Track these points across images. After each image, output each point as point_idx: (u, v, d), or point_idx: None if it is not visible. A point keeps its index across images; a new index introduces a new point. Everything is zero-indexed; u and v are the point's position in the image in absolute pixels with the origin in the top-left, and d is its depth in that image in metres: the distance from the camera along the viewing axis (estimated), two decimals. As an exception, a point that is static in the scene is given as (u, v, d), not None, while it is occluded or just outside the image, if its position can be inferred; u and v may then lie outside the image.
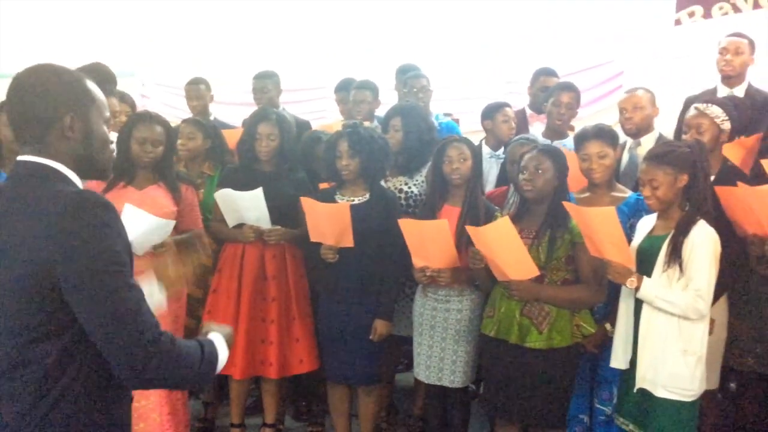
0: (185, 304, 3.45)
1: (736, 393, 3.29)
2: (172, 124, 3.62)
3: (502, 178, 3.82)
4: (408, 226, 3.06)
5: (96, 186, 3.27)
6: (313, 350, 3.55)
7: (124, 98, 4.23)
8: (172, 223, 3.21)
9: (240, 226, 3.48)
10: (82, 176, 1.60)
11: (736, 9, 5.29)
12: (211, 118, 4.83)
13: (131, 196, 3.19)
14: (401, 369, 4.32)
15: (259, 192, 3.34)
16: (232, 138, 4.03)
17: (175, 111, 6.19)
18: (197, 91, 4.89)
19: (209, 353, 1.64)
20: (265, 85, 4.74)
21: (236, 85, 6.32)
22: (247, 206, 3.40)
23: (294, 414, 4.08)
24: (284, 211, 3.43)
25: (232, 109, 5.97)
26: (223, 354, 1.69)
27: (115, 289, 1.45)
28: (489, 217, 3.14)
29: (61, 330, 1.47)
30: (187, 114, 4.89)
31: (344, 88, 4.76)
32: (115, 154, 3.33)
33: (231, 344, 1.76)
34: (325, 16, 6.77)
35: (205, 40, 6.99)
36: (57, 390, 1.48)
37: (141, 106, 5.89)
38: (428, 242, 3.04)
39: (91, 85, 1.60)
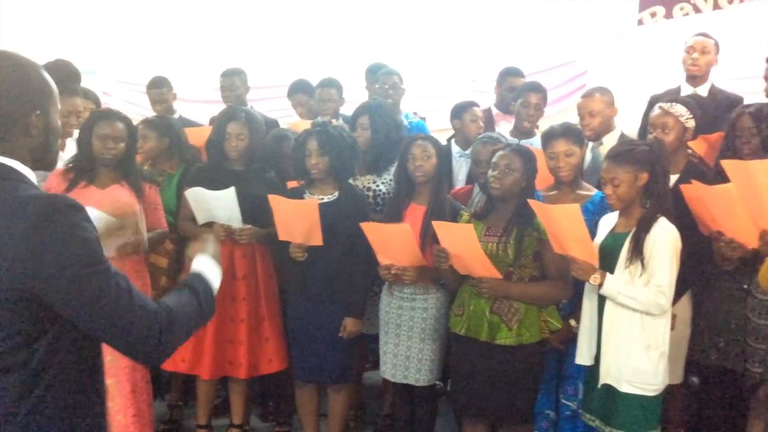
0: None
1: (699, 387, 3.35)
2: (134, 122, 3.57)
3: (472, 177, 3.84)
4: (371, 230, 3.06)
5: (57, 185, 3.22)
6: (282, 350, 3.54)
7: (87, 95, 4.15)
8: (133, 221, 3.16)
9: (209, 225, 3.44)
10: (34, 168, 1.55)
11: (697, 10, 5.39)
12: (176, 115, 4.76)
13: (93, 196, 3.13)
14: (369, 367, 4.31)
15: (231, 191, 3.31)
16: (198, 136, 3.99)
17: (138, 108, 6.09)
18: (160, 95, 4.76)
19: (203, 290, 1.67)
20: (233, 83, 4.69)
21: (203, 83, 6.25)
22: (218, 205, 3.36)
23: (261, 414, 4.05)
24: (254, 210, 3.40)
25: (198, 107, 5.91)
26: (216, 280, 1.73)
27: (105, 286, 1.43)
28: (455, 216, 3.16)
29: (39, 335, 1.43)
30: (150, 111, 4.82)
31: (300, 90, 4.70)
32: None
33: (218, 256, 1.79)
34: (289, 13, 6.72)
35: (169, 37, 6.89)
36: (38, 391, 1.45)
37: (103, 103, 5.78)
38: (392, 245, 3.06)
39: (48, 76, 1.56)
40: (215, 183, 3.39)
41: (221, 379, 3.63)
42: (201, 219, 3.46)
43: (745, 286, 3.01)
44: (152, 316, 1.48)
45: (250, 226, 3.40)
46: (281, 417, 3.93)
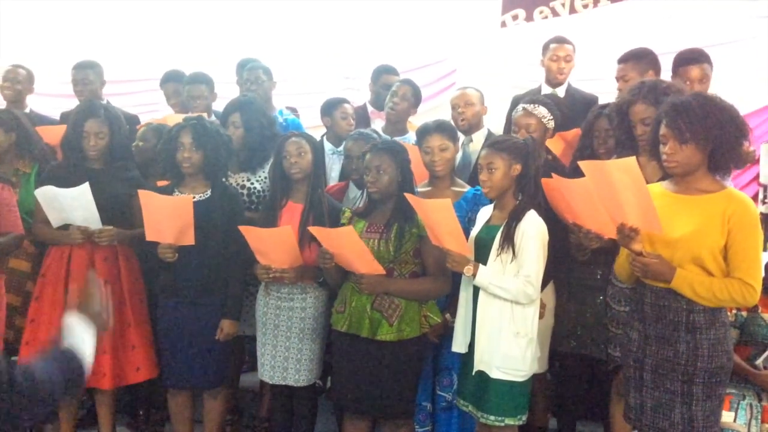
0: (4, 317, 3.18)
1: (562, 373, 3.53)
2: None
3: (345, 174, 3.83)
4: (250, 233, 3.01)
5: None
6: (151, 357, 3.39)
7: None
8: None
9: (66, 227, 3.23)
10: None
11: (555, 13, 5.66)
12: (27, 110, 4.43)
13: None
14: (246, 369, 4.22)
15: (85, 188, 3.12)
16: (54, 135, 3.73)
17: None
18: (14, 74, 4.41)
19: (69, 368, 1.53)
20: (87, 76, 4.38)
21: (53, 76, 5.85)
22: (72, 205, 3.16)
23: (130, 424, 3.85)
24: (116, 211, 3.25)
25: (47, 101, 5.52)
26: (88, 358, 1.59)
27: None
28: (335, 214, 3.14)
29: None
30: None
31: (172, 80, 4.51)
32: None
33: (102, 325, 1.66)
34: (153, 5, 6.43)
35: (16, 24, 6.40)
36: None
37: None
38: (272, 248, 3.02)
39: None
40: (72, 183, 3.20)
41: (86, 389, 3.41)
42: (55, 221, 3.24)
43: (599, 276, 3.19)
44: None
45: (110, 227, 3.23)
46: (152, 426, 3.78)
